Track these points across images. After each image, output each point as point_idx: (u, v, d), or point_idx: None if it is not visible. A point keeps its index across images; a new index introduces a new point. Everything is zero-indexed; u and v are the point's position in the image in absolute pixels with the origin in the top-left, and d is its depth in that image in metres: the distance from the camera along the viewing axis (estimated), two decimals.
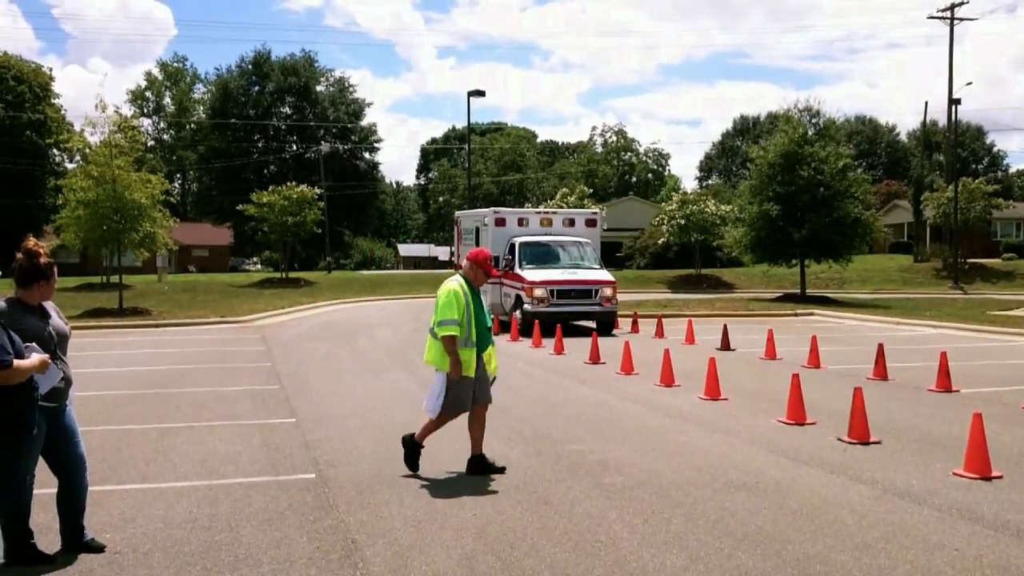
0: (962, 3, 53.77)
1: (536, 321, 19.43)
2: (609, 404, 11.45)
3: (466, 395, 7.78)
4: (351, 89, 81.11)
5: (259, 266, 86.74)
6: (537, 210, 28.45)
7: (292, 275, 43.25)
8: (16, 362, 4.88)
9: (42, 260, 5.42)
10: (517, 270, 21.97)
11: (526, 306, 21.07)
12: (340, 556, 5.67)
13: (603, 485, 7.33)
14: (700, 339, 18.89)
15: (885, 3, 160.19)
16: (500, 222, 23.83)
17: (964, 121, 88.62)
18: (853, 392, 9.17)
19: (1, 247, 38.03)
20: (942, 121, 73.40)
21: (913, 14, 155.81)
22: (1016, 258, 53.95)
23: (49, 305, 5.57)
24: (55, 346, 5.37)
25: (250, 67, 78.10)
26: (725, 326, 18.67)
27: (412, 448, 7.95)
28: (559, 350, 16.97)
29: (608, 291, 21.54)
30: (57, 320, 5.54)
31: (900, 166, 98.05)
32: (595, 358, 15.51)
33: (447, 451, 8.54)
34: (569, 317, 21.18)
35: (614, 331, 21.40)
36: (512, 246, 22.71)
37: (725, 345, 17.66)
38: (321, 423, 10.06)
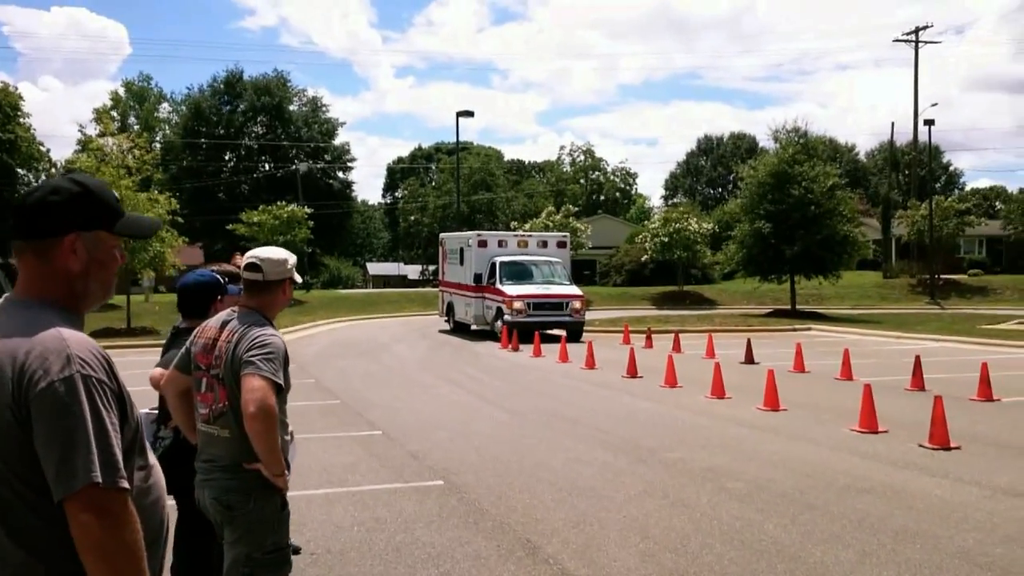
0: (926, 27, 55.58)
1: (532, 331, 21.75)
2: (674, 415, 11.80)
3: None
4: (324, 108, 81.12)
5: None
6: (515, 233, 31.05)
7: None
8: None
9: None
10: (498, 285, 24.71)
11: (506, 316, 23.69)
12: (526, 554, 5.96)
13: (728, 490, 7.68)
14: (718, 353, 19.33)
15: (835, 27, 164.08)
16: (482, 244, 26.48)
17: (922, 141, 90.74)
18: (933, 401, 9.66)
19: None
20: (898, 141, 75.47)
21: (863, 37, 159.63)
22: (982, 274, 55.53)
23: None
24: None
25: (222, 86, 77.77)
26: (748, 340, 19.18)
27: None
28: (591, 365, 17.31)
29: (577, 304, 24.45)
30: None
31: (860, 185, 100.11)
32: (633, 372, 15.87)
33: (558, 460, 8.81)
34: (543, 326, 23.59)
35: (581, 339, 23.28)
36: (493, 265, 25.40)
37: (749, 359, 18.15)
38: (410, 435, 10.30)
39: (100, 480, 1.88)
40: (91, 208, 2.14)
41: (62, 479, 1.88)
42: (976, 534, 6.35)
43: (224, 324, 3.74)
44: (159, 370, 4.58)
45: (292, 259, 3.90)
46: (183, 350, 3.93)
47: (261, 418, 3.40)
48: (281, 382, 3.54)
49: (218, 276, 4.75)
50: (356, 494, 7.51)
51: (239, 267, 5.70)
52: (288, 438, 3.79)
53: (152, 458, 2.21)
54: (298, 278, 3.94)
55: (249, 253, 3.88)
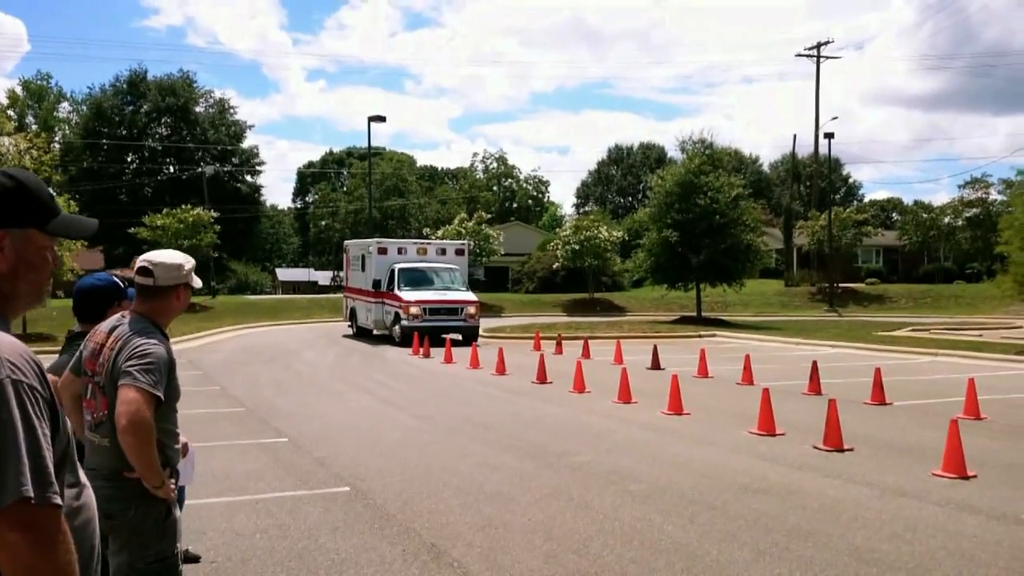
0: (828, 42, 57.63)
1: (427, 335, 22.85)
2: (582, 420, 11.96)
3: None
4: (232, 111, 79.63)
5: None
6: (415, 241, 31.70)
7: None
8: None
9: None
10: (396, 291, 25.50)
11: (403, 321, 24.64)
12: (431, 558, 5.98)
13: (631, 492, 7.83)
14: (626, 359, 19.65)
15: (742, 40, 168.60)
16: (382, 251, 27.29)
17: (823, 153, 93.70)
18: (828, 405, 10.03)
19: None
20: (800, 153, 77.92)
21: (768, 51, 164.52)
22: (879, 283, 57.65)
23: None
24: None
25: (125, 86, 75.63)
26: (655, 347, 19.55)
27: None
28: (501, 371, 17.40)
29: (471, 309, 25.55)
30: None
31: (764, 195, 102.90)
32: (542, 378, 16.01)
33: (467, 464, 8.84)
34: (439, 331, 24.30)
35: (476, 341, 24.54)
36: (392, 271, 26.21)
37: (655, 365, 18.50)
38: (317, 442, 10.20)
39: (32, 495, 1.71)
40: (23, 204, 1.97)
41: None
42: (865, 532, 6.61)
43: (112, 330, 3.65)
44: (51, 376, 4.43)
45: (189, 263, 3.81)
46: (77, 353, 3.83)
47: (132, 431, 3.32)
48: (160, 394, 3.44)
49: (117, 280, 4.64)
50: (259, 502, 7.41)
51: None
52: (178, 446, 3.72)
53: (83, 475, 2.05)
54: (197, 283, 3.86)
55: (142, 256, 3.79)
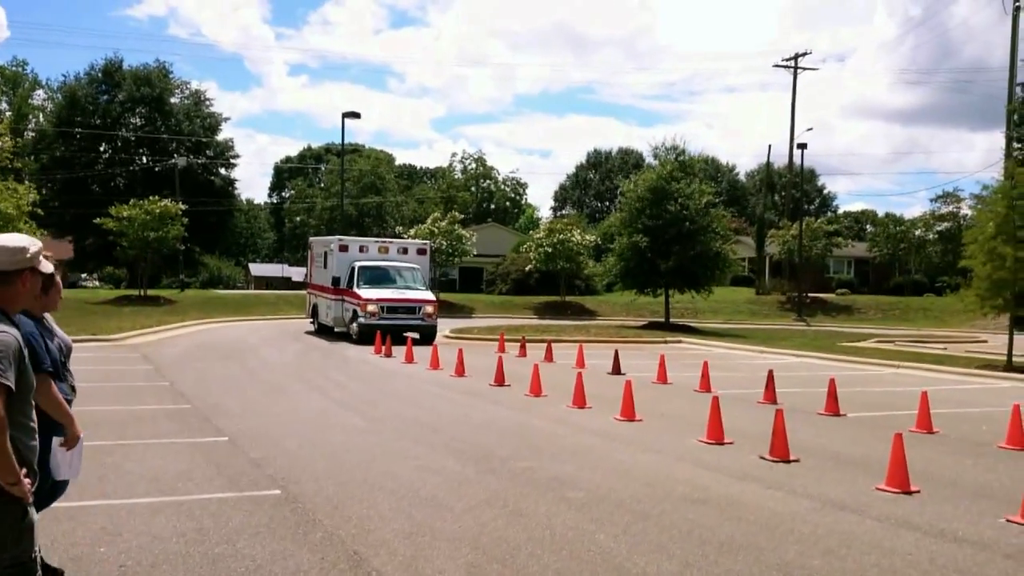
0: (805, 54, 57.86)
1: (386, 333, 22.57)
2: (533, 424, 11.81)
3: None
4: (208, 102, 78.70)
5: (98, 283, 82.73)
6: (376, 239, 31.96)
7: (151, 293, 41.60)
8: None
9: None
10: (355, 289, 25.72)
11: (360, 319, 24.89)
12: (349, 566, 5.79)
13: (568, 499, 7.68)
14: (588, 363, 19.54)
15: (724, 50, 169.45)
16: (343, 248, 27.67)
17: (797, 164, 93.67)
18: (775, 415, 9.92)
19: None
20: (777, 163, 78.35)
21: (751, 61, 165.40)
22: (849, 293, 57.99)
23: (48, 316, 5.45)
24: (64, 360, 5.26)
25: (100, 75, 74.67)
26: (616, 352, 19.44)
27: None
28: (460, 373, 17.22)
29: (429, 308, 25.77)
30: (61, 332, 5.42)
31: (739, 204, 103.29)
32: (500, 380, 15.86)
33: (408, 469, 8.67)
34: (396, 329, 24.45)
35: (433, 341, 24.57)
36: (352, 269, 26.44)
37: (616, 370, 18.39)
38: (257, 443, 9.97)
39: None
40: None
41: None
42: (798, 546, 6.49)
43: None
44: None
45: (34, 246, 3.62)
46: None
47: None
48: (9, 383, 3.26)
49: None
50: (184, 503, 7.19)
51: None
52: (34, 442, 3.52)
53: None
54: (46, 267, 3.68)
55: None
